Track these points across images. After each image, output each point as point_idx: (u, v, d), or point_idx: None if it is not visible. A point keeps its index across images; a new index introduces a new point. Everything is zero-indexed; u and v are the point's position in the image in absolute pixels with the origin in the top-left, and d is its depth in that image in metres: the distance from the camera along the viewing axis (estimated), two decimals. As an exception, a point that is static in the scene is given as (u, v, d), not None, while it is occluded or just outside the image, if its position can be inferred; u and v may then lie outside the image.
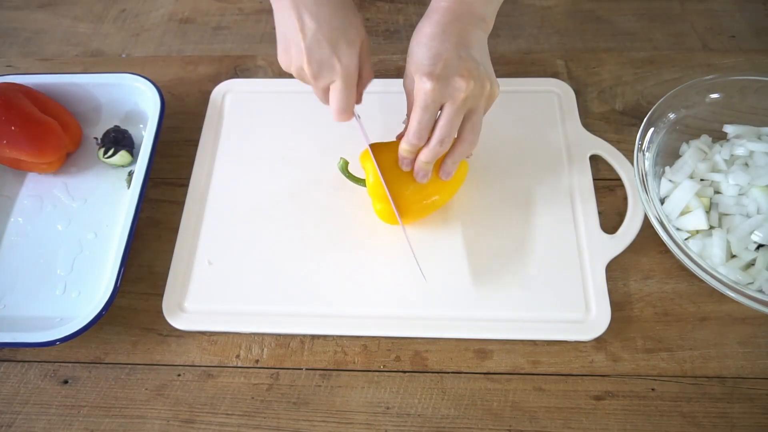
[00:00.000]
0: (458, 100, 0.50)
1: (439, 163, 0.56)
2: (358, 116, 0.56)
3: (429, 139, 0.53)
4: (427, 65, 0.49)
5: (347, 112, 0.54)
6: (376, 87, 0.72)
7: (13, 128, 0.62)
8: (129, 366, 0.57)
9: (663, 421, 0.52)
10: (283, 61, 0.54)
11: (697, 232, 0.58)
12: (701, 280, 0.54)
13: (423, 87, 0.49)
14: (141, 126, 0.71)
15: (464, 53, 0.50)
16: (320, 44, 0.50)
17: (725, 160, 0.61)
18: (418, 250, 0.59)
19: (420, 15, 0.53)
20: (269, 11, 0.84)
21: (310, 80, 0.53)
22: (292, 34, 0.51)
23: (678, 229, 0.59)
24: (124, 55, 0.81)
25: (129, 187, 0.66)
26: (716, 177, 0.60)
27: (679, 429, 0.52)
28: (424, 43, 0.50)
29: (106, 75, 0.70)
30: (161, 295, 0.59)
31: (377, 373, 0.56)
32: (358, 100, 0.56)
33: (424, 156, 0.53)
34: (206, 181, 0.67)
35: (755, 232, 0.56)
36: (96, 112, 0.72)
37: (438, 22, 0.50)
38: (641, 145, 0.60)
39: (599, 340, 0.56)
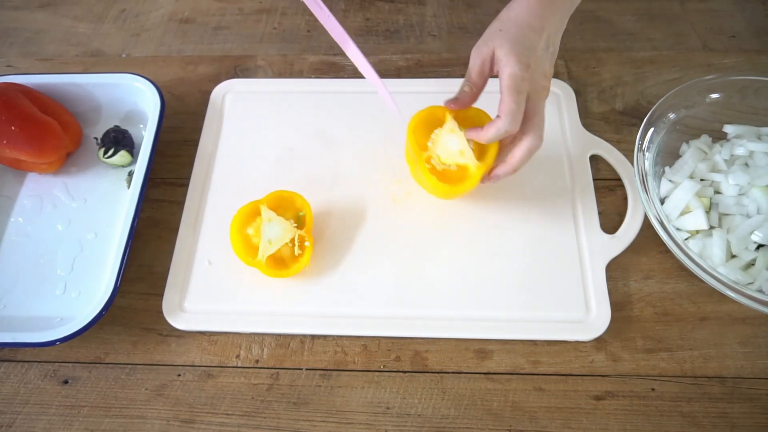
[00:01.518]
0: (542, 98, 0.53)
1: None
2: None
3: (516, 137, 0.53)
4: (521, 54, 0.50)
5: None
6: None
7: (13, 128, 0.62)
8: (129, 366, 0.57)
9: (663, 421, 0.52)
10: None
11: (697, 232, 0.58)
12: (701, 280, 0.54)
13: (515, 74, 0.50)
14: (141, 126, 0.71)
15: (550, 54, 0.53)
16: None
17: (725, 160, 0.61)
18: (417, 250, 0.59)
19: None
20: (269, 11, 0.85)
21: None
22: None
23: (678, 229, 0.59)
24: (124, 55, 0.81)
25: (129, 187, 0.66)
26: (716, 177, 0.60)
27: (679, 429, 0.52)
28: (517, 24, 0.52)
29: (106, 75, 0.70)
30: (161, 295, 0.59)
31: (377, 373, 0.56)
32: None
33: (521, 152, 0.53)
34: (206, 181, 0.67)
35: (755, 232, 0.56)
36: (96, 112, 0.72)
37: (532, 7, 0.52)
38: (641, 145, 0.60)
39: (599, 340, 0.56)
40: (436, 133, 0.57)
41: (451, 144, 0.56)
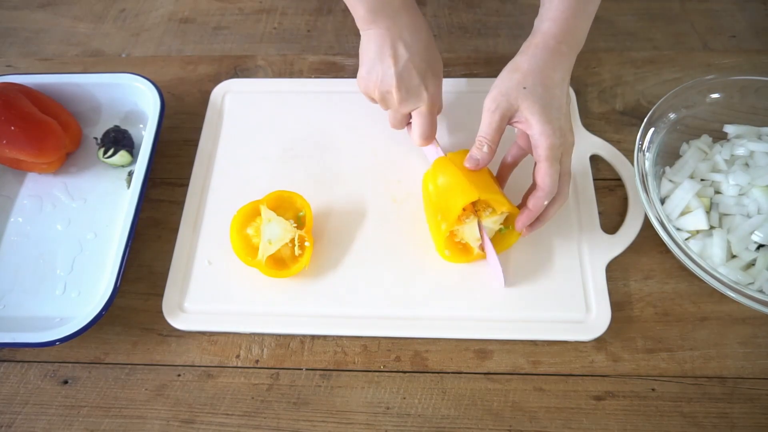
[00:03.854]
0: (570, 150, 0.52)
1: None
2: (437, 141, 0.60)
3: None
4: (553, 120, 0.50)
5: (431, 137, 0.58)
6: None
7: (13, 128, 0.62)
8: (129, 366, 0.57)
9: (663, 421, 0.52)
10: (363, 84, 0.57)
11: (698, 232, 0.58)
12: (701, 280, 0.54)
13: (553, 142, 0.50)
14: (141, 126, 0.71)
15: (569, 102, 0.53)
16: (411, 73, 0.54)
17: (725, 160, 0.61)
18: (417, 250, 0.59)
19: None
20: (269, 11, 0.85)
21: (394, 105, 0.56)
22: (381, 61, 0.54)
23: (678, 229, 0.59)
24: (124, 55, 0.81)
25: (129, 187, 0.66)
26: (716, 177, 0.60)
27: (679, 429, 0.52)
28: (539, 82, 0.51)
29: (106, 75, 0.70)
30: (161, 295, 0.59)
31: (377, 373, 0.56)
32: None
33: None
34: (206, 181, 0.67)
35: (755, 232, 0.56)
36: (96, 112, 0.72)
37: (548, 62, 0.52)
38: (641, 145, 0.60)
39: (599, 340, 0.56)
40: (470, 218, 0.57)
41: (472, 231, 0.57)
